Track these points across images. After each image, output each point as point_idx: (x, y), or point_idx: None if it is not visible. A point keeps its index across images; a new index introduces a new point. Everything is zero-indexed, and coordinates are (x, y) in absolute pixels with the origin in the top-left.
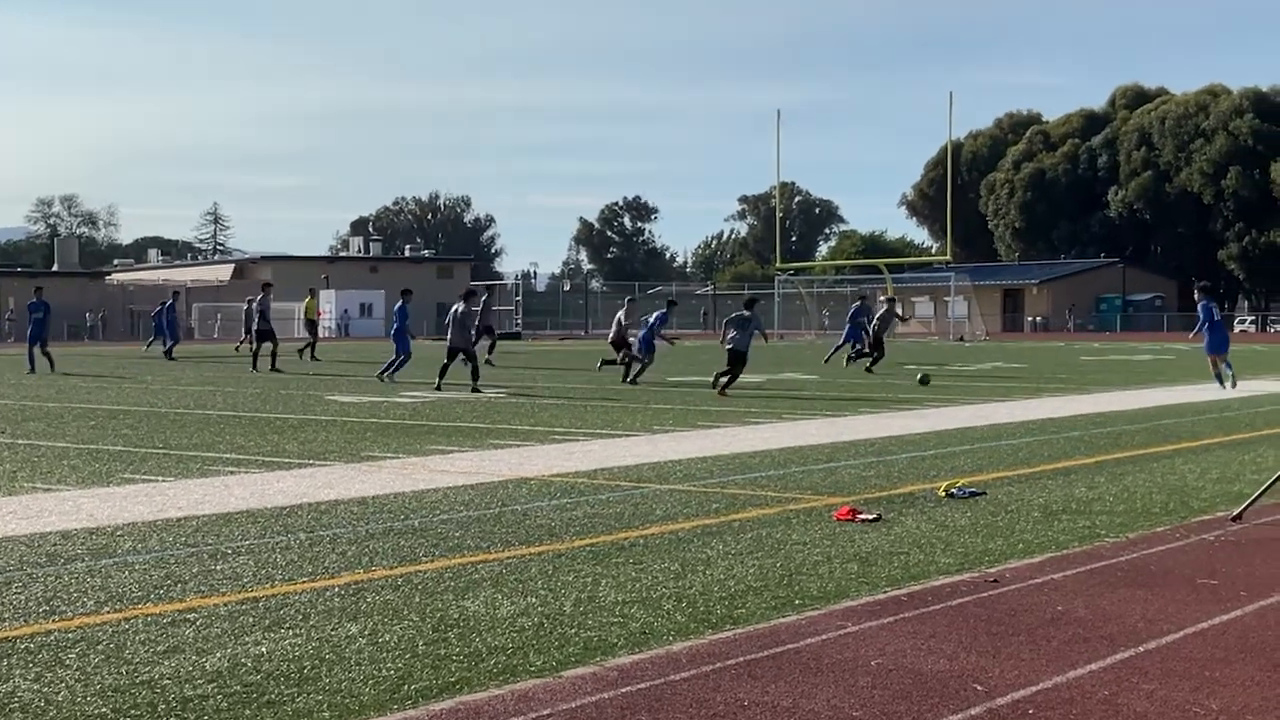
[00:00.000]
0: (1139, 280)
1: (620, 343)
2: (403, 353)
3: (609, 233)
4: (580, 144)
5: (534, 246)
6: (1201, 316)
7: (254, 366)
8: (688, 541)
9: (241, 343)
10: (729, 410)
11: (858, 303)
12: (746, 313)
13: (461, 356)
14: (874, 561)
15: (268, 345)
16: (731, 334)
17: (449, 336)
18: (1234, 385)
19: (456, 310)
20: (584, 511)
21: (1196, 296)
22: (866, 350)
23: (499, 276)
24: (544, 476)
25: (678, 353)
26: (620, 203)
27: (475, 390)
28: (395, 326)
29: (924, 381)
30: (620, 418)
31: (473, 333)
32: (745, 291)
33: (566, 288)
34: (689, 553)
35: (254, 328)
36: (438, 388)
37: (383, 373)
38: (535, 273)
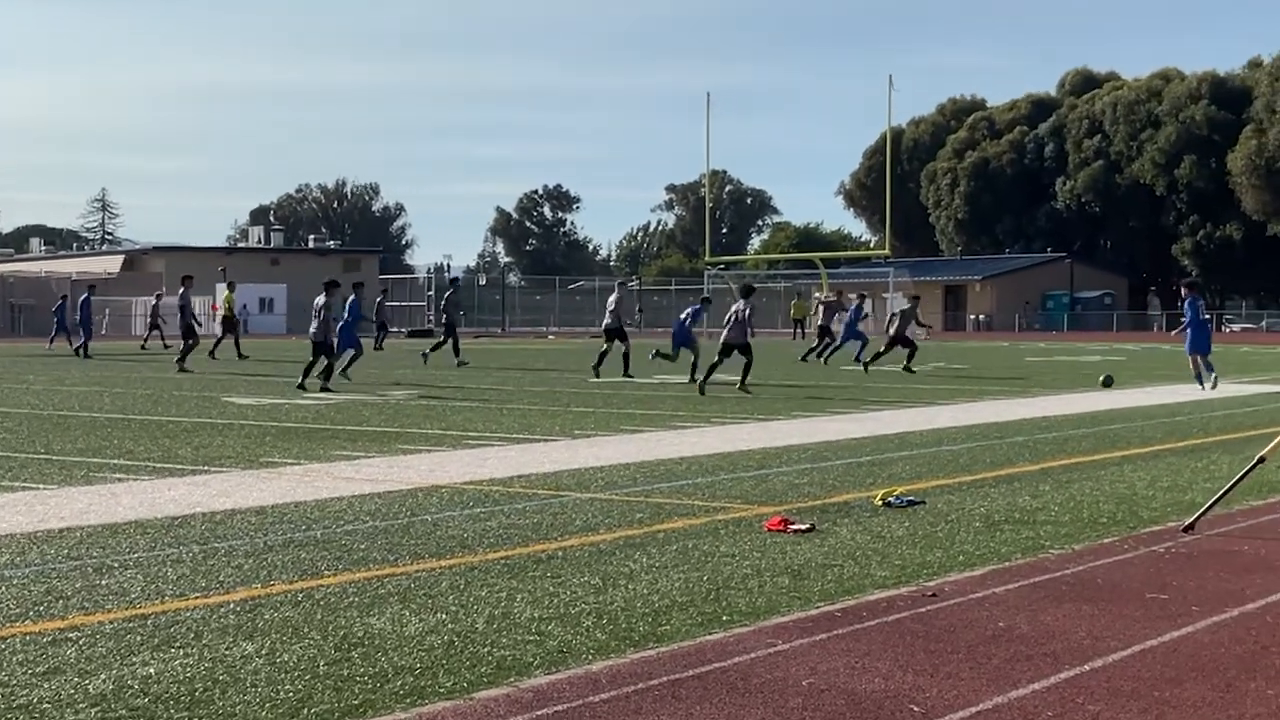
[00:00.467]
0: (1087, 277)
1: (617, 333)
2: (354, 348)
3: (528, 223)
4: (497, 128)
5: (447, 238)
6: (1188, 314)
7: (181, 366)
8: (609, 554)
9: (148, 340)
10: (654, 413)
11: (858, 300)
12: (741, 302)
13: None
14: (806, 575)
15: (190, 343)
16: (733, 324)
17: (311, 332)
18: (1214, 386)
19: (318, 303)
20: (499, 522)
21: (1183, 294)
22: (833, 349)
23: (410, 270)
24: (456, 484)
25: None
26: (540, 191)
27: (325, 389)
28: (346, 320)
29: (1108, 383)
30: (538, 421)
31: (332, 323)
32: (672, 287)
33: (482, 282)
34: (610, 566)
35: (180, 323)
36: (301, 386)
37: (341, 369)
38: (449, 265)
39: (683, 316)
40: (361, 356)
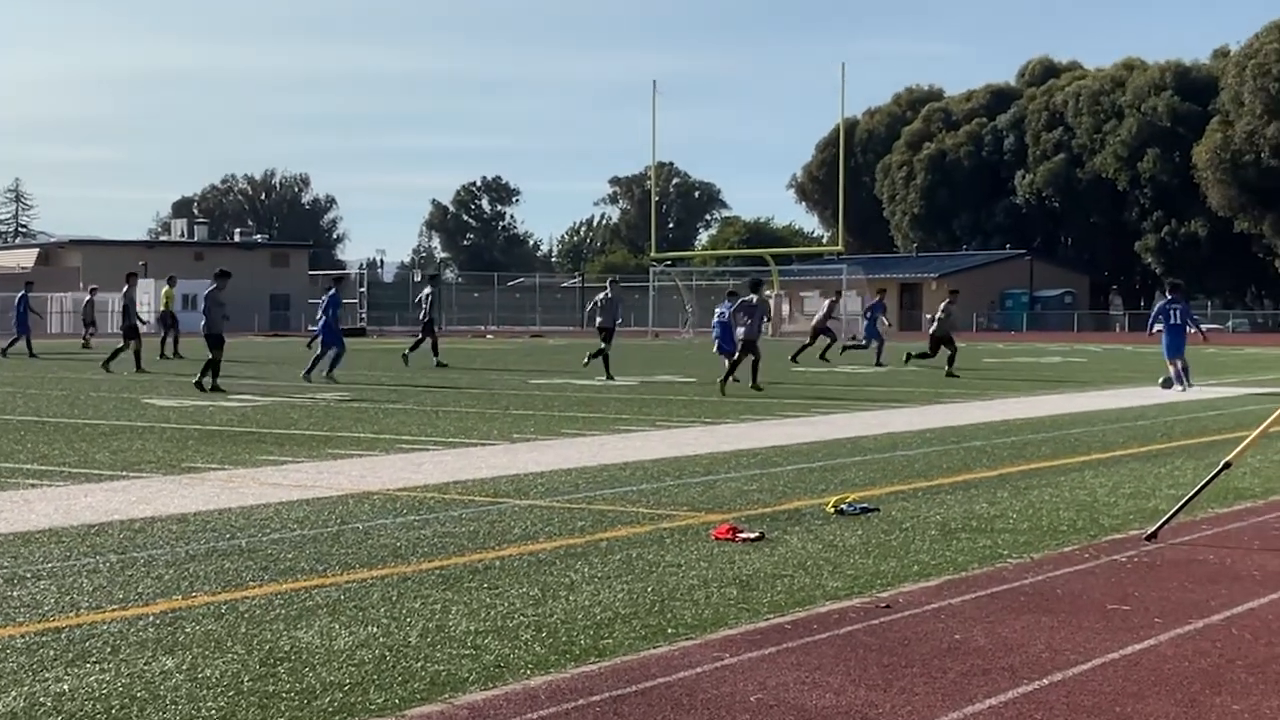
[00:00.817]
0: (1047, 274)
1: (609, 331)
2: (337, 345)
3: (465, 217)
4: (434, 116)
5: (381, 232)
6: (1162, 317)
7: (138, 367)
8: (549, 564)
9: (89, 338)
10: (597, 416)
11: (876, 298)
12: (754, 297)
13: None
14: (755, 585)
15: (131, 344)
16: (743, 319)
17: (204, 325)
18: (1186, 388)
19: (208, 293)
20: (433, 530)
21: (1168, 295)
22: (862, 344)
23: (341, 265)
24: (389, 491)
25: (542, 353)
26: (478, 183)
27: (199, 386)
28: (326, 318)
29: (1167, 385)
30: (475, 425)
31: (224, 319)
32: (436, 273)
33: (417, 278)
34: (550, 576)
35: (123, 323)
36: (198, 385)
37: (326, 371)
38: (382, 261)
39: (722, 311)
40: (344, 354)
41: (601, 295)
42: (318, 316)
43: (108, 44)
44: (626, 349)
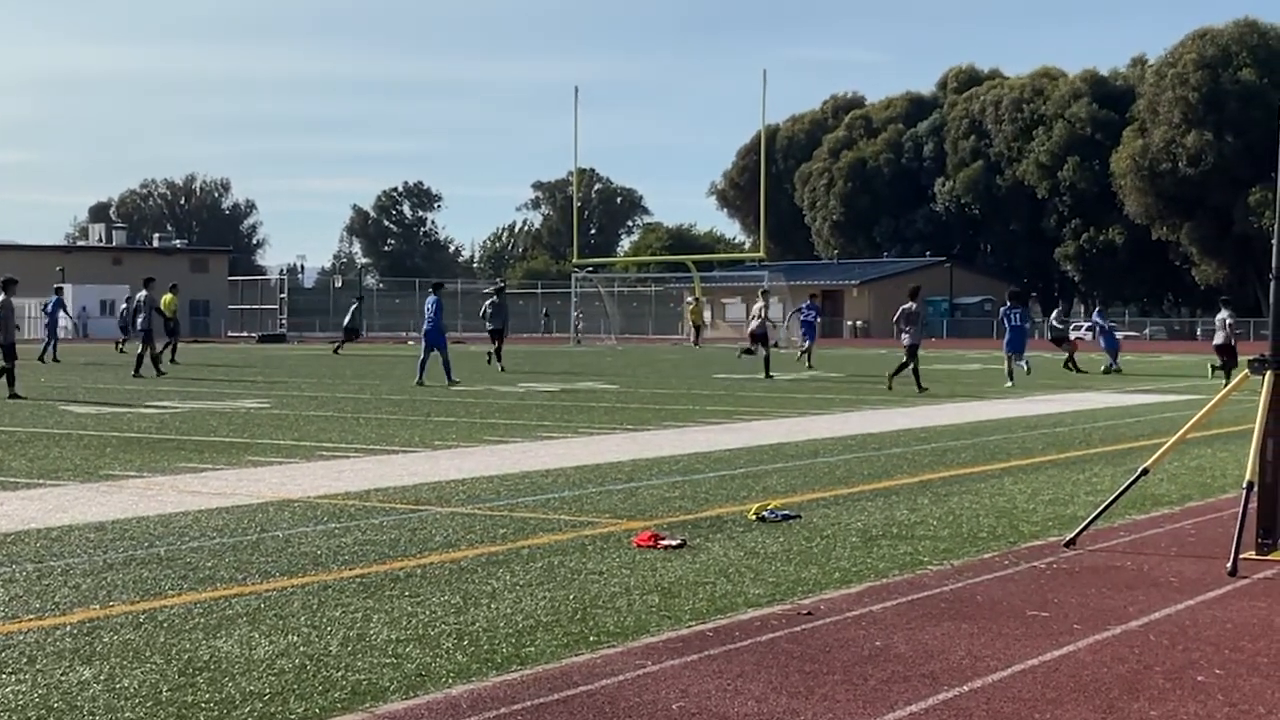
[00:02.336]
0: (967, 282)
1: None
2: (440, 349)
3: (386, 222)
4: (355, 121)
5: (301, 237)
6: (1005, 321)
7: (157, 369)
8: (471, 571)
9: (123, 342)
10: (518, 423)
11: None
12: (913, 305)
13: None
14: (677, 593)
15: (154, 345)
16: (904, 326)
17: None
18: (1016, 382)
19: (139, 299)
20: (354, 538)
21: (1008, 303)
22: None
23: (261, 270)
24: (309, 498)
25: (463, 359)
26: (399, 189)
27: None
28: (430, 325)
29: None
30: (397, 432)
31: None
32: (539, 290)
33: (338, 284)
34: (472, 584)
35: (140, 325)
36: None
37: (446, 378)
38: (303, 267)
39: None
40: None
41: (489, 301)
42: (430, 321)
43: (23, 46)
44: (549, 356)
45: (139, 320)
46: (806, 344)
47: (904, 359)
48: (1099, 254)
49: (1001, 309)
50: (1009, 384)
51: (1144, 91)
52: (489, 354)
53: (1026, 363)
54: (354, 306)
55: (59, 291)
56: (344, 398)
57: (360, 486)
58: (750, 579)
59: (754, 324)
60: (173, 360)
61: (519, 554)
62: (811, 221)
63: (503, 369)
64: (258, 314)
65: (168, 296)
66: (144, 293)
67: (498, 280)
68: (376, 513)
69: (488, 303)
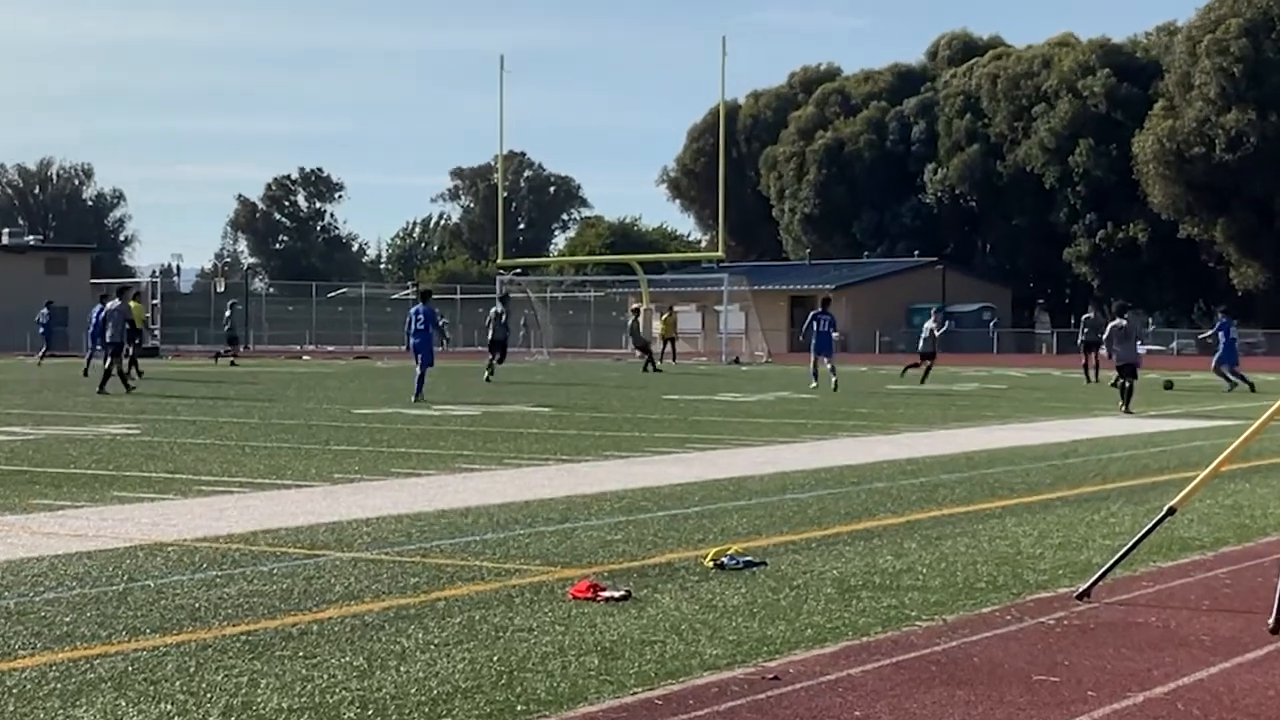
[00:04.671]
0: (963, 286)
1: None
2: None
3: (278, 216)
4: (242, 97)
5: (178, 233)
6: (814, 324)
7: (126, 386)
8: (377, 628)
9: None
10: (434, 453)
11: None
12: (1124, 321)
13: None
14: (620, 653)
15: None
16: (1116, 348)
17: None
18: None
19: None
20: (239, 588)
21: (819, 308)
22: None
23: (130, 272)
24: (186, 541)
25: (368, 376)
26: (293, 176)
27: None
28: (419, 337)
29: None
30: (289, 463)
31: None
32: (457, 295)
33: (220, 288)
34: (378, 643)
35: (110, 338)
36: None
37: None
38: (179, 268)
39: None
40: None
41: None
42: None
43: None
44: (468, 373)
45: (109, 333)
46: (828, 364)
47: (1120, 379)
48: (1118, 254)
49: (811, 314)
50: (814, 383)
51: (1172, 62)
52: (489, 369)
53: (830, 369)
54: (229, 312)
55: (138, 297)
56: (227, 423)
57: (246, 528)
58: (706, 637)
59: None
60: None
61: (434, 607)
62: (779, 215)
63: (488, 380)
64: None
65: (134, 305)
66: (116, 302)
67: (503, 286)
68: (265, 558)
69: (495, 312)
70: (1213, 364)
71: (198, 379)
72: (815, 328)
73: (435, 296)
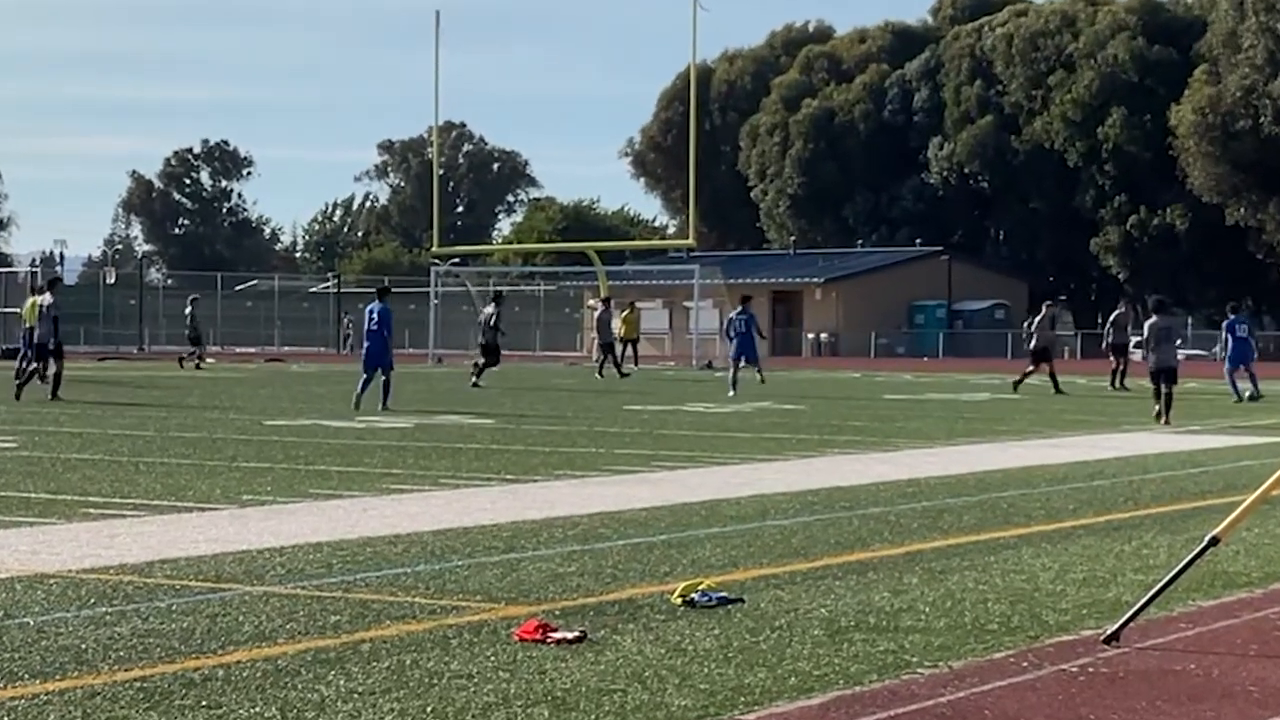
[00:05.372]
0: (973, 280)
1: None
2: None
3: (177, 196)
4: (135, 59)
5: (61, 216)
6: (742, 327)
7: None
8: (292, 673)
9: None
10: (358, 471)
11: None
12: (1165, 319)
13: None
14: (574, 704)
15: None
16: (1154, 346)
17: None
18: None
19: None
20: (132, 627)
21: (739, 308)
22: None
23: (6, 260)
24: (71, 572)
25: (282, 381)
26: (196, 150)
27: None
28: (375, 340)
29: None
30: (191, 482)
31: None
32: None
33: (111, 279)
34: (294, 691)
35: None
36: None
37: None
38: (63, 255)
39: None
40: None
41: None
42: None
43: None
44: (399, 379)
45: (37, 333)
46: (744, 365)
47: (1157, 386)
48: (1152, 244)
49: (730, 314)
50: (733, 392)
51: (1216, 21)
52: (475, 372)
53: (742, 373)
54: (189, 309)
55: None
56: (118, 435)
57: (141, 557)
58: (674, 685)
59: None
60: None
61: (357, 650)
62: (760, 197)
63: (475, 385)
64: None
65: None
66: (46, 296)
67: (499, 283)
68: (162, 593)
69: (491, 310)
70: (1225, 371)
71: (87, 381)
72: (733, 330)
73: (358, 291)
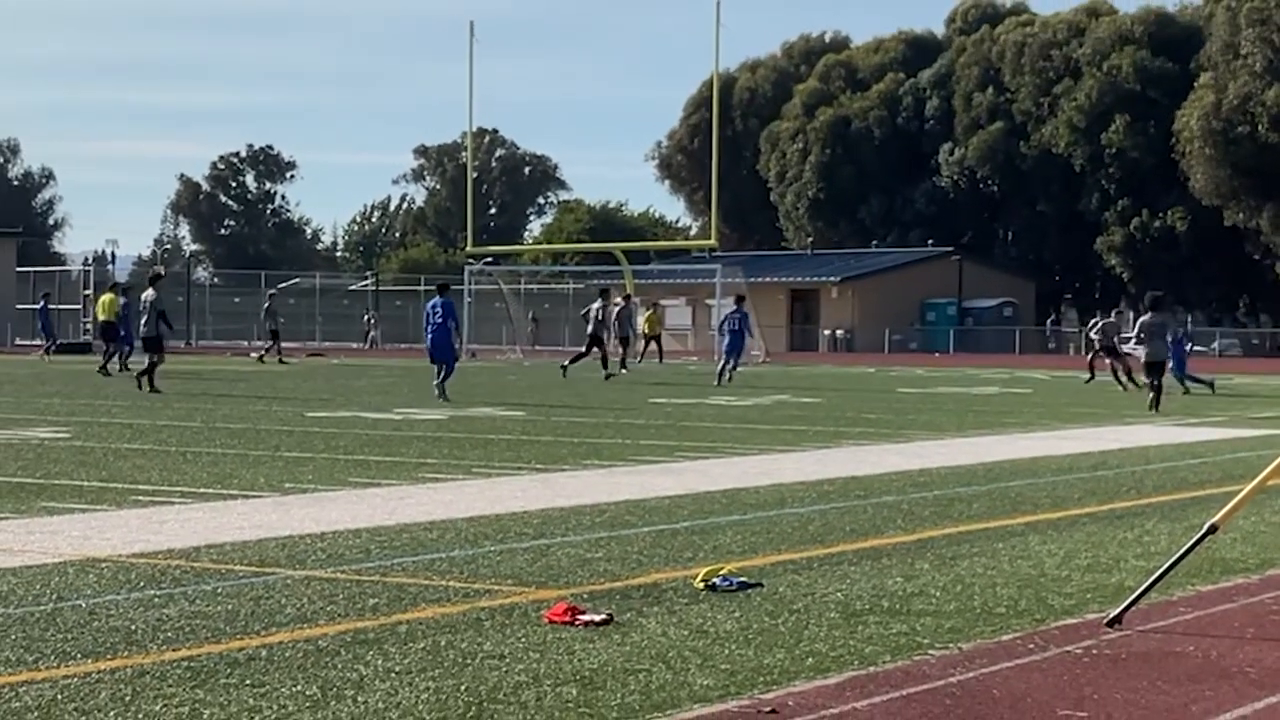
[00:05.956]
0: (982, 279)
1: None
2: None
3: (224, 198)
4: (184, 66)
5: (113, 216)
6: (725, 324)
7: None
8: (331, 654)
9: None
10: (395, 461)
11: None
12: (1159, 316)
13: None
14: (601, 683)
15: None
16: (1148, 341)
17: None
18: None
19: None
20: (180, 609)
21: (734, 307)
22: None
23: (60, 259)
24: (121, 557)
25: (323, 375)
26: (242, 154)
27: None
28: (438, 333)
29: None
30: (236, 470)
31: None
32: (420, 286)
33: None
34: (333, 670)
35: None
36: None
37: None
38: (114, 255)
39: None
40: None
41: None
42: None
43: None
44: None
45: (142, 326)
46: (731, 362)
47: (1152, 378)
48: (1154, 244)
49: (725, 314)
50: (721, 381)
51: (1215, 34)
52: (605, 366)
53: (734, 366)
54: (267, 303)
55: (115, 289)
56: (166, 426)
57: (188, 542)
58: (697, 666)
59: (591, 326)
60: (121, 369)
61: (394, 631)
62: (779, 199)
63: (608, 378)
64: (55, 316)
65: (107, 297)
66: (150, 293)
67: (600, 280)
68: (209, 576)
69: (596, 306)
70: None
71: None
72: (726, 327)
73: (396, 289)
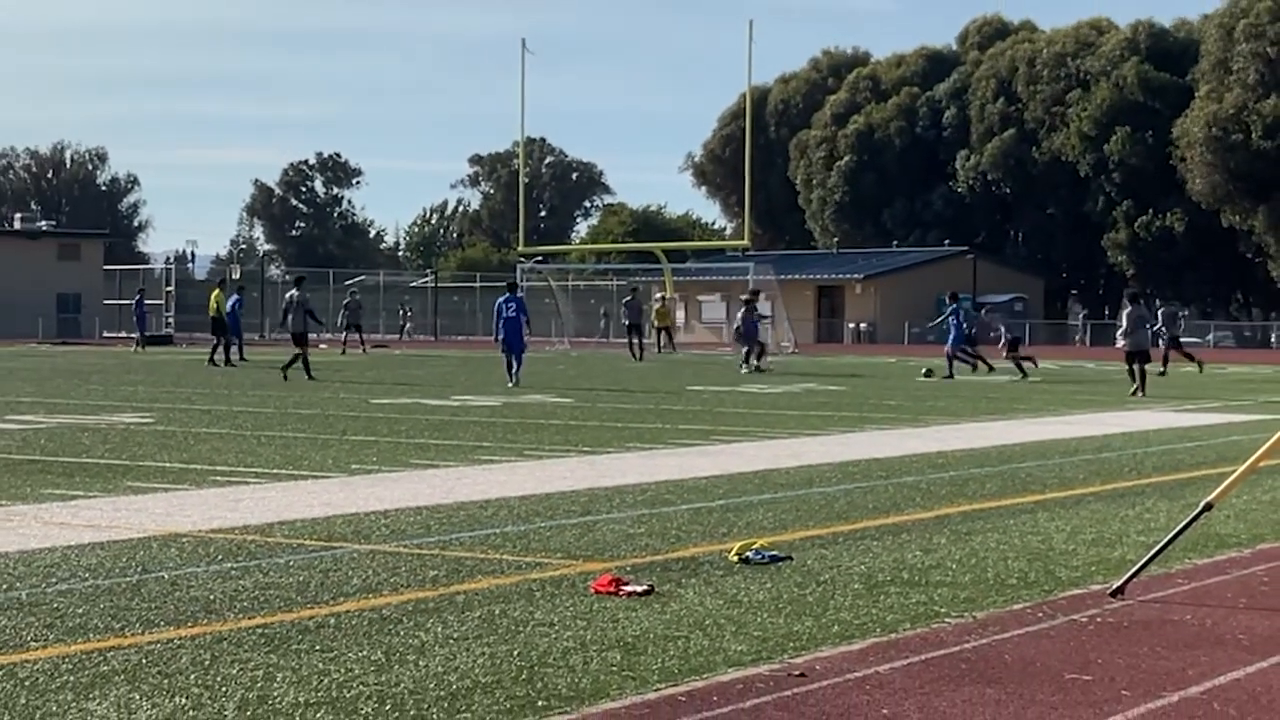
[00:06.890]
0: (995, 276)
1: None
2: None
3: (294, 201)
4: (257, 80)
5: (192, 219)
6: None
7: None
8: (395, 621)
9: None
10: (452, 444)
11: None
12: (1140, 308)
13: None
14: (643, 649)
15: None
16: (1131, 332)
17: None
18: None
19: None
20: (255, 581)
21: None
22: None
23: (144, 258)
24: (201, 532)
25: (386, 366)
26: (311, 161)
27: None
28: (510, 326)
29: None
30: (306, 453)
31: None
32: (477, 284)
33: (236, 275)
34: (396, 637)
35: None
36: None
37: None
38: (194, 254)
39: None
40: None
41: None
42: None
43: None
44: (487, 363)
45: (289, 320)
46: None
47: (1134, 364)
48: (1154, 244)
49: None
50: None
51: (1209, 49)
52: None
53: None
54: (348, 299)
55: (222, 285)
56: (243, 412)
57: (262, 519)
58: (731, 633)
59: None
60: (228, 362)
61: (453, 601)
62: (808, 203)
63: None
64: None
65: (216, 293)
66: (294, 292)
67: (633, 280)
68: (281, 550)
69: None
70: (947, 347)
71: (214, 368)
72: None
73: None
